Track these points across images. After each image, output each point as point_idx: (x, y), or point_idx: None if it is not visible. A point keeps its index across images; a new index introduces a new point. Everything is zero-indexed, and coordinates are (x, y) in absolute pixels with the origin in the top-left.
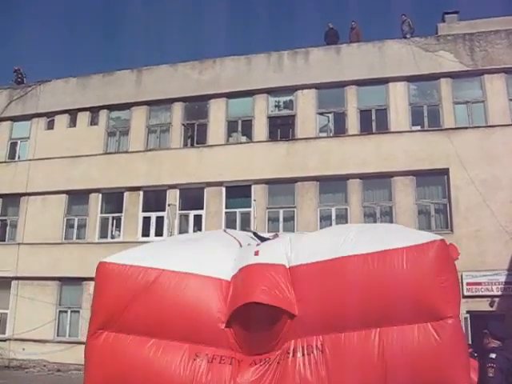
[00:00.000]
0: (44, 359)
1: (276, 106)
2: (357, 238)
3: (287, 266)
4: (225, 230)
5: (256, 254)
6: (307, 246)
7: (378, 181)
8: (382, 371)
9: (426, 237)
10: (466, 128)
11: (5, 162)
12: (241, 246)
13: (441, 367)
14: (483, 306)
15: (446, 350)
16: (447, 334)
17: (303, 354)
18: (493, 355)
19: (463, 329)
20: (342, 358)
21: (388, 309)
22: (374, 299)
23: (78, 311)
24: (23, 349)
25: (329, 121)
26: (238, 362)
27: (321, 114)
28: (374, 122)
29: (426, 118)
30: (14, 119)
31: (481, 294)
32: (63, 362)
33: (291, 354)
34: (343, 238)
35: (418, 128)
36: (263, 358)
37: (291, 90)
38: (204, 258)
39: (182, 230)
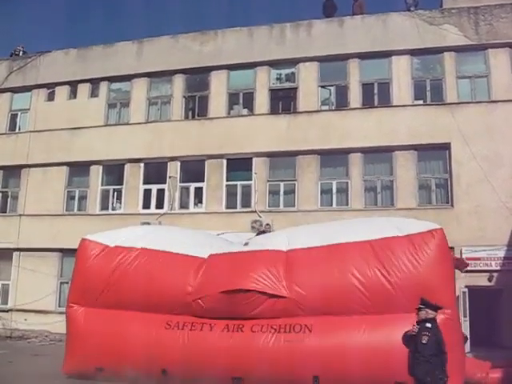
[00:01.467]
0: (46, 329)
1: (278, 79)
2: (357, 226)
3: (284, 250)
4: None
5: (245, 244)
6: (305, 233)
7: (380, 155)
8: (375, 356)
9: (426, 225)
10: (469, 103)
11: (5, 133)
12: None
13: None
14: (482, 280)
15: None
16: (445, 325)
17: (287, 331)
18: (428, 325)
19: (460, 315)
20: (330, 340)
21: (387, 296)
22: (372, 285)
23: None
24: (25, 319)
25: (331, 94)
26: (210, 326)
27: (323, 87)
28: (376, 95)
29: (428, 92)
30: (14, 90)
31: (480, 268)
32: (64, 332)
33: (276, 329)
34: (343, 226)
35: (421, 102)
36: (237, 325)
37: (293, 62)
38: (181, 240)
39: (183, 203)
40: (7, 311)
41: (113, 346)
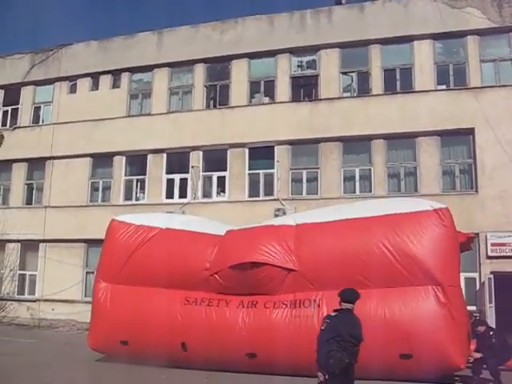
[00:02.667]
0: (73, 319)
1: (299, 66)
2: (365, 205)
3: (294, 225)
4: None
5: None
6: (315, 212)
7: (403, 141)
8: (380, 329)
9: (430, 204)
10: (493, 87)
11: (29, 126)
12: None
13: (438, 330)
14: (508, 266)
15: (444, 315)
16: (447, 300)
17: (298, 306)
18: (333, 314)
19: (464, 296)
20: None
21: (390, 271)
22: (376, 260)
23: None
24: (52, 309)
25: (352, 80)
26: (225, 302)
27: (344, 73)
28: (399, 81)
29: (451, 76)
30: (36, 83)
31: (505, 254)
32: None
33: (287, 305)
34: (352, 205)
35: (444, 87)
36: (251, 301)
37: (314, 49)
38: (203, 223)
39: (206, 192)
40: (35, 301)
41: (136, 320)
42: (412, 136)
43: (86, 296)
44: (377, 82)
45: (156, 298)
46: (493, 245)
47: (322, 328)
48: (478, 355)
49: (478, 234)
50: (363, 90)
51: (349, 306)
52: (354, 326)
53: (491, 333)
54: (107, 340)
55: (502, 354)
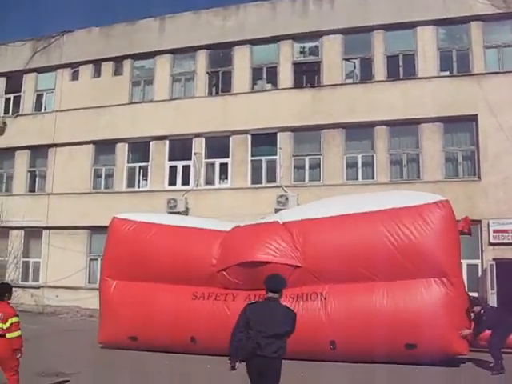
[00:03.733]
0: (76, 305)
1: (301, 53)
2: (368, 199)
3: (299, 220)
4: None
5: (262, 218)
6: (317, 205)
7: (405, 127)
8: (386, 320)
9: (431, 197)
10: (497, 73)
11: (31, 113)
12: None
13: (442, 320)
14: (510, 253)
15: (447, 305)
16: (450, 291)
17: (305, 300)
18: (252, 302)
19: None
20: (344, 306)
21: (393, 263)
22: (379, 254)
23: None
24: (56, 296)
25: (355, 67)
26: (232, 296)
27: (347, 59)
28: (402, 67)
29: (454, 63)
30: (38, 71)
31: (507, 241)
32: (95, 307)
33: (294, 298)
34: (355, 198)
35: (447, 73)
36: (257, 295)
37: (317, 35)
38: (203, 221)
39: (209, 179)
40: (39, 288)
41: (145, 317)
42: (415, 122)
43: (89, 283)
44: (379, 69)
45: (163, 293)
46: (495, 231)
47: (240, 315)
48: (467, 331)
49: (480, 220)
50: (366, 76)
51: (275, 295)
52: (281, 316)
53: (482, 311)
54: (116, 336)
55: (500, 329)
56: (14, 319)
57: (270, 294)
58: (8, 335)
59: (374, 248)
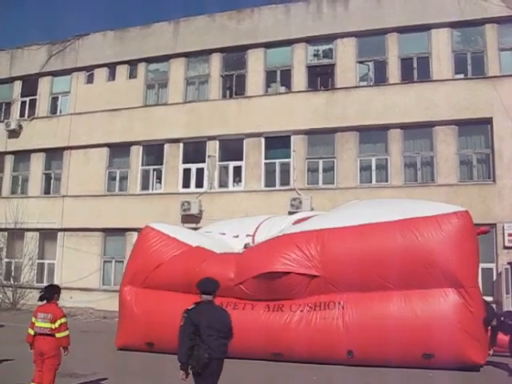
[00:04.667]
0: (91, 307)
1: (315, 55)
2: (386, 207)
3: (315, 230)
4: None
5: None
6: (336, 214)
7: (420, 130)
8: (403, 330)
9: (450, 208)
10: None
11: (47, 116)
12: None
13: (460, 330)
14: None
15: (465, 316)
16: (467, 302)
17: (323, 308)
18: (191, 307)
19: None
20: (362, 315)
21: (411, 273)
22: (397, 263)
23: (122, 261)
24: (71, 297)
25: (369, 69)
26: (251, 306)
27: (361, 62)
28: (416, 70)
29: (469, 65)
30: (54, 74)
31: None
32: (109, 309)
33: (312, 308)
34: (370, 207)
35: (462, 76)
36: (277, 305)
37: (330, 38)
38: (222, 241)
39: (222, 182)
40: None
41: (162, 324)
42: (429, 125)
43: (103, 284)
44: (394, 71)
45: (181, 302)
46: (510, 235)
47: (181, 324)
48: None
49: (495, 224)
50: (380, 79)
51: (209, 297)
52: (218, 317)
53: (503, 318)
54: (134, 341)
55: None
56: (63, 320)
57: (204, 297)
58: (57, 335)
59: (392, 258)
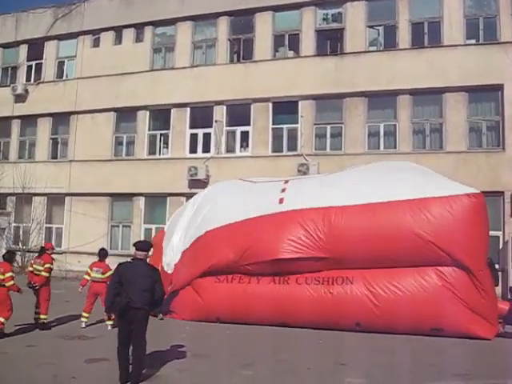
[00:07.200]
0: None
1: (324, 19)
2: (396, 184)
3: (320, 207)
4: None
5: (280, 201)
6: (344, 187)
7: (429, 97)
8: (410, 306)
9: (462, 189)
10: None
11: (53, 81)
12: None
13: (465, 308)
14: None
15: (471, 294)
16: (475, 282)
17: (331, 283)
18: (124, 262)
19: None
20: (370, 290)
21: (420, 254)
22: (406, 245)
23: (130, 226)
24: (79, 261)
25: (379, 34)
26: (257, 279)
27: (371, 27)
28: (427, 35)
29: (481, 30)
30: (60, 38)
31: None
32: None
33: (320, 281)
34: (381, 182)
35: (473, 41)
36: (283, 278)
37: (340, 2)
38: (218, 213)
39: (229, 147)
40: (61, 254)
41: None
42: (439, 92)
43: (111, 249)
44: (404, 36)
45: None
46: None
47: (113, 274)
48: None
49: (503, 192)
50: (390, 44)
51: (141, 254)
52: (144, 272)
53: None
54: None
55: None
56: (109, 273)
57: (138, 254)
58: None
59: (400, 238)
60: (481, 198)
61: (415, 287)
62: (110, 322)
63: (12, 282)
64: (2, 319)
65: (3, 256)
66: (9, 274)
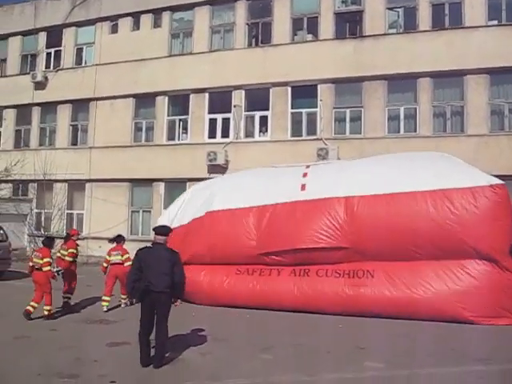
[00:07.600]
0: None
1: (343, 2)
2: (419, 173)
3: (342, 196)
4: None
5: (303, 188)
6: (365, 177)
7: (450, 79)
8: (430, 299)
9: (486, 179)
10: None
11: (72, 67)
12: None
13: (489, 301)
14: None
15: (495, 286)
16: (499, 273)
17: (352, 276)
18: (144, 248)
19: None
20: (391, 284)
21: (443, 246)
22: (429, 236)
23: (150, 211)
24: (100, 246)
25: (399, 16)
26: (277, 271)
27: (390, 9)
28: (447, 16)
29: (503, 11)
30: (78, 25)
31: None
32: None
33: (341, 274)
34: (404, 170)
35: (495, 23)
36: (303, 269)
37: None
38: (237, 193)
39: (248, 132)
40: (83, 239)
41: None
42: (460, 74)
43: (131, 234)
44: (424, 18)
45: (210, 273)
46: None
47: (133, 260)
48: None
49: None
50: (410, 26)
51: (161, 239)
52: (164, 256)
53: None
54: None
55: None
56: (127, 255)
57: (158, 238)
58: (126, 264)
59: (422, 229)
60: (504, 188)
61: (436, 280)
62: (123, 296)
63: (48, 268)
64: (47, 307)
65: (43, 242)
66: (46, 260)
